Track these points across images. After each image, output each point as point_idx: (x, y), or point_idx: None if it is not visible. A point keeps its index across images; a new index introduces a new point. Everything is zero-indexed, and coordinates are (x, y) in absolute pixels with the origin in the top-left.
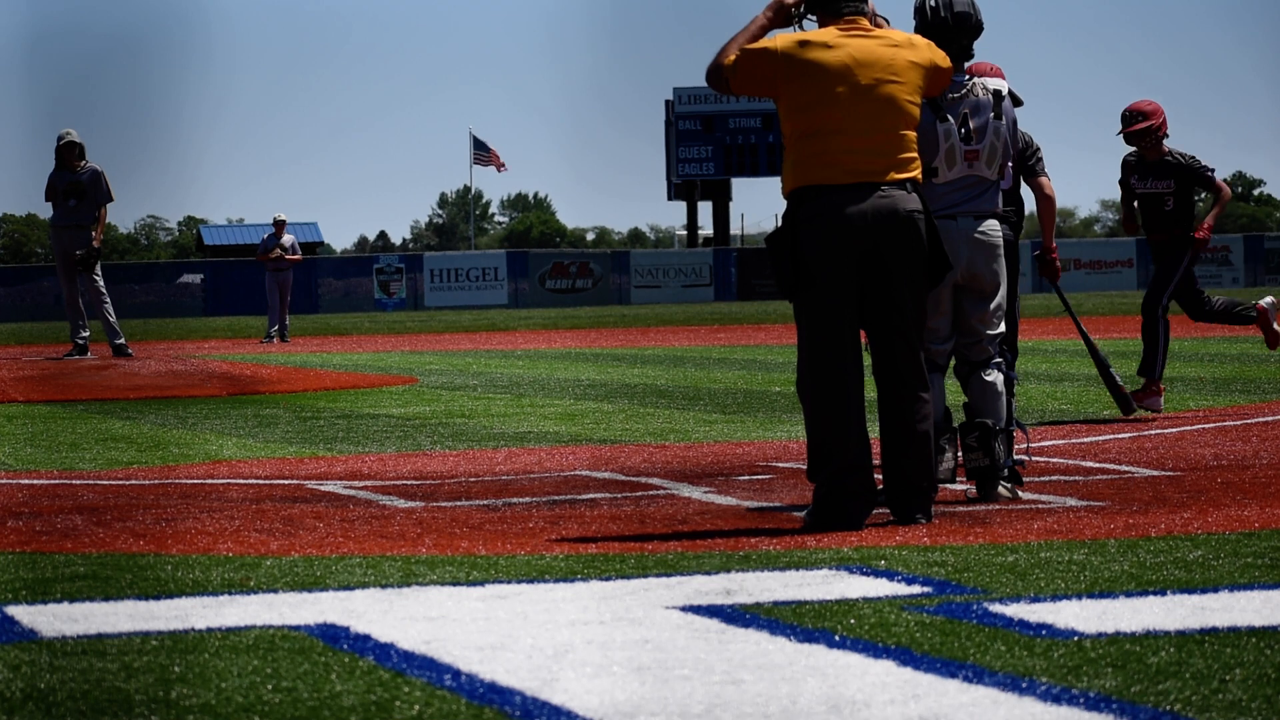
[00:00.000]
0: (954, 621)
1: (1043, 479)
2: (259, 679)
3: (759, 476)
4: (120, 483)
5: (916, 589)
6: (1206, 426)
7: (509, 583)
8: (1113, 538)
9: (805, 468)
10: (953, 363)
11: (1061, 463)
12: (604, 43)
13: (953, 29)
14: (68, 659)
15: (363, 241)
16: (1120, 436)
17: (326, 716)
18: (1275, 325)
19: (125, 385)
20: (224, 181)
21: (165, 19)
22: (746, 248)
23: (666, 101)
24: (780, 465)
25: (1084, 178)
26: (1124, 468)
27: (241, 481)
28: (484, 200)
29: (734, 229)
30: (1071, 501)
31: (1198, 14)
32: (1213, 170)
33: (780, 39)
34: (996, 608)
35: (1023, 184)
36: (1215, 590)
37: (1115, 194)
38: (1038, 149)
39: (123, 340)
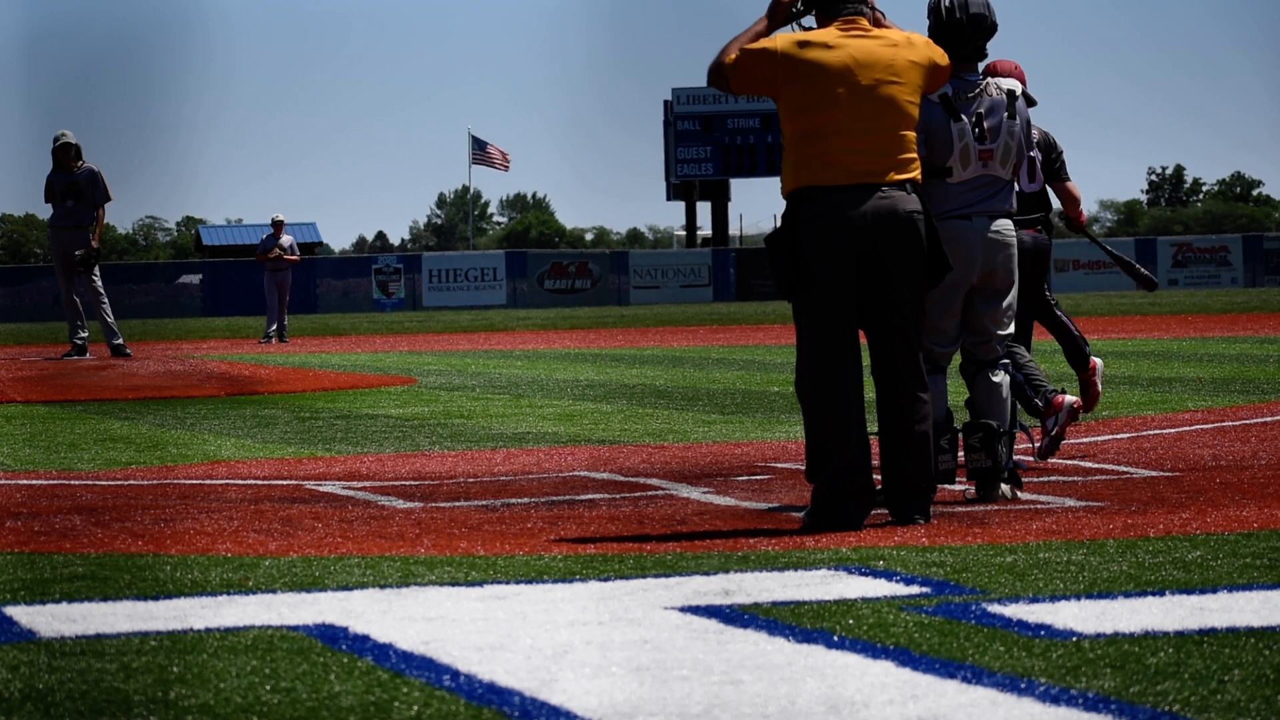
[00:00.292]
0: (953, 622)
1: (1042, 479)
2: (258, 679)
3: (758, 477)
4: (119, 483)
5: (915, 589)
6: (1205, 427)
7: (508, 583)
8: (1111, 538)
9: (804, 468)
10: (956, 361)
11: (1060, 463)
12: (603, 43)
13: (968, 30)
14: (66, 659)
15: (361, 242)
16: (1119, 437)
17: (325, 717)
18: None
19: (124, 385)
20: (223, 182)
21: (165, 19)
22: (745, 248)
23: (665, 102)
24: (779, 466)
25: (1084, 178)
26: (1123, 468)
27: (240, 482)
28: (483, 200)
29: (733, 229)
30: (1070, 502)
31: (1198, 14)
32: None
33: (780, 39)
34: (995, 608)
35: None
36: (1214, 591)
37: (1115, 194)
38: (1061, 152)
39: (121, 341)
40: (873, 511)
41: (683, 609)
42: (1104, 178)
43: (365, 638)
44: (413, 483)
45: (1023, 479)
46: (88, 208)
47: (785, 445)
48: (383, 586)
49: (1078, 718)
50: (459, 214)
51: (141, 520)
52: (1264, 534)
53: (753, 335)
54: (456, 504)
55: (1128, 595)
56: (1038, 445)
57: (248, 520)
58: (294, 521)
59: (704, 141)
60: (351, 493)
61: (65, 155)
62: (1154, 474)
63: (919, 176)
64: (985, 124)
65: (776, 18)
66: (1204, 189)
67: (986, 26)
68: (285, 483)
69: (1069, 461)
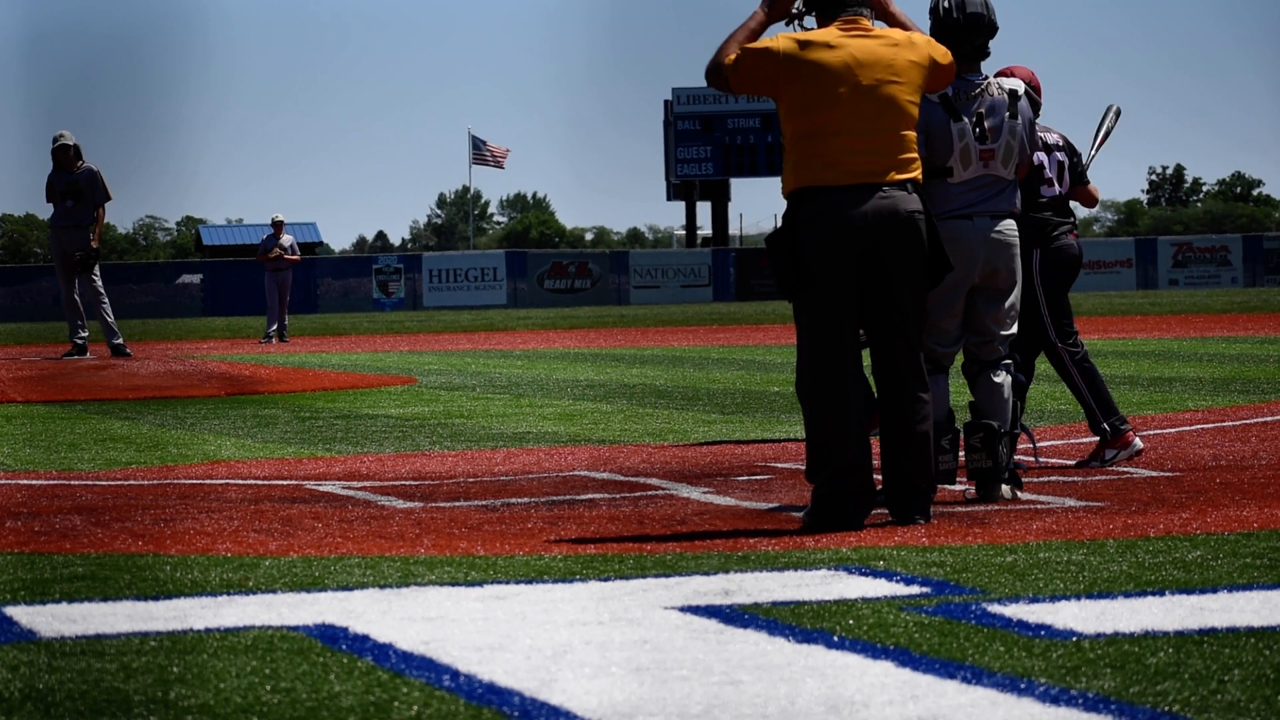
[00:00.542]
0: (953, 622)
1: (1042, 479)
2: (258, 679)
3: (758, 477)
4: (119, 483)
5: (915, 589)
6: (1205, 427)
7: (507, 583)
8: (1111, 538)
9: (804, 468)
10: (958, 361)
11: (1061, 463)
12: (604, 43)
13: (965, 29)
14: (66, 659)
15: (361, 242)
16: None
17: (325, 717)
18: None
19: (124, 385)
20: (223, 182)
21: (165, 19)
22: (745, 248)
23: (665, 102)
24: (779, 465)
25: None
26: (1123, 468)
27: (240, 482)
28: (483, 200)
29: (733, 229)
30: (1070, 502)
31: (1198, 14)
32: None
33: (781, 39)
34: (995, 608)
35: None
36: (1214, 591)
37: (1115, 194)
38: (1080, 154)
39: (121, 340)
40: (873, 511)
41: (683, 609)
42: (1104, 178)
43: (365, 638)
44: (413, 483)
45: (1023, 479)
46: (88, 208)
47: (785, 445)
48: (383, 586)
49: (1078, 718)
50: (459, 214)
51: (141, 520)
52: (1264, 534)
53: (753, 335)
54: (456, 504)
55: (1128, 595)
56: (1080, 461)
57: (248, 520)
58: (294, 521)
59: (704, 141)
60: (351, 493)
61: (64, 155)
62: (1154, 474)
63: (920, 176)
64: (986, 124)
65: (775, 11)
66: (1204, 189)
67: (984, 26)
68: (285, 483)
69: (1069, 462)
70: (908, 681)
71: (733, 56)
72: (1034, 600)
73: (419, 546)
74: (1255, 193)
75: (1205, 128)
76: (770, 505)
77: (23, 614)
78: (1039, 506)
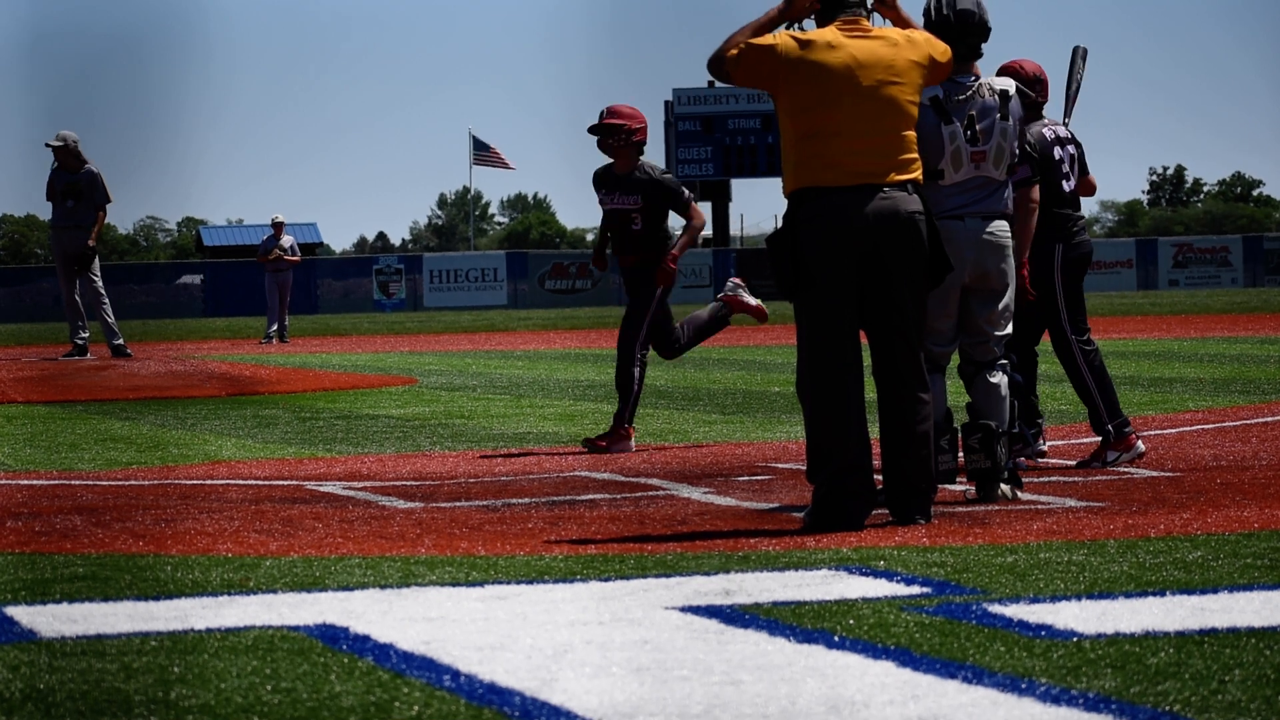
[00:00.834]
0: (953, 622)
1: (1042, 479)
2: (258, 679)
3: (758, 477)
4: (119, 483)
5: (916, 589)
6: (1206, 427)
7: (508, 583)
8: (1112, 538)
9: (805, 468)
10: (955, 362)
11: (1061, 463)
12: (604, 43)
13: (955, 26)
14: (67, 659)
15: (362, 242)
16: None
17: (326, 717)
18: (747, 299)
19: (124, 386)
20: (223, 182)
21: (165, 19)
22: (746, 248)
23: (666, 102)
24: (779, 466)
25: None
26: (1123, 468)
27: (241, 482)
28: (483, 201)
29: (733, 230)
30: (1071, 502)
31: (1199, 14)
32: (689, 194)
33: (783, 38)
34: (996, 608)
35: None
36: (1214, 591)
37: (1116, 194)
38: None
39: (121, 341)
40: (873, 511)
41: (683, 609)
42: (1104, 178)
43: (366, 638)
44: (413, 483)
45: (1023, 479)
46: (88, 208)
47: (786, 445)
48: (383, 587)
49: (1078, 718)
50: (460, 214)
51: (142, 520)
52: (1265, 534)
53: (753, 335)
54: (457, 504)
55: (1128, 595)
56: (1081, 461)
57: (248, 520)
58: (295, 522)
59: (704, 142)
60: (352, 493)
61: (65, 156)
62: (1155, 474)
63: (920, 177)
64: (977, 126)
65: (790, 11)
66: (1205, 189)
67: (975, 24)
68: (286, 483)
69: (1069, 462)
70: (908, 681)
71: (735, 51)
72: (1035, 600)
73: (420, 547)
74: (1256, 193)
75: (1206, 128)
76: (771, 505)
77: (23, 614)
78: (1040, 507)
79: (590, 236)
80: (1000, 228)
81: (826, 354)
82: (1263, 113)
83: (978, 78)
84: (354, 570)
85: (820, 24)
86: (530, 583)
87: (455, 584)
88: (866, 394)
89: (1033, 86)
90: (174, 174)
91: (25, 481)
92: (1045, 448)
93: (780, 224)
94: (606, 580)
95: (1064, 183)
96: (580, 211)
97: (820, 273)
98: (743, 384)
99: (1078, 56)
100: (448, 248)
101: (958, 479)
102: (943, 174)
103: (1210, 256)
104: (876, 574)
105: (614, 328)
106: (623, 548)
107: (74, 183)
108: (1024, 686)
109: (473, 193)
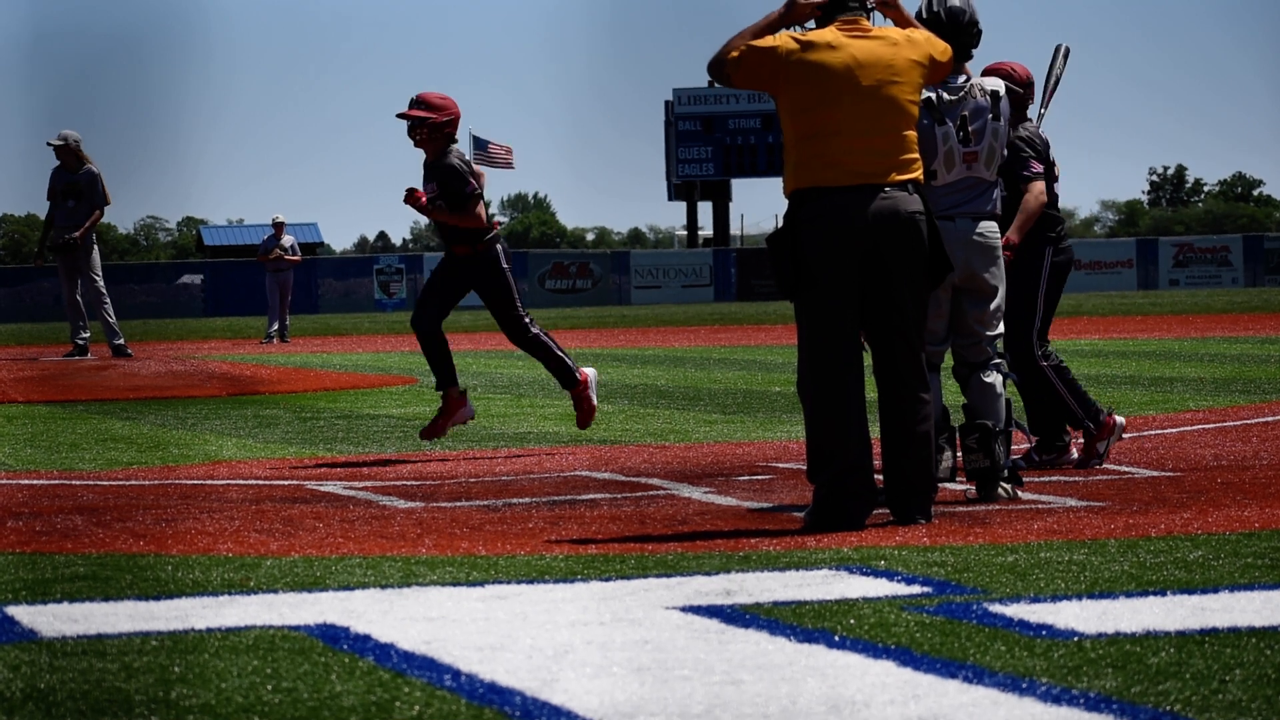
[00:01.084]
0: (954, 622)
1: (1042, 479)
2: (259, 679)
3: (759, 477)
4: (120, 483)
5: (916, 589)
6: (1207, 427)
7: (509, 583)
8: (1113, 538)
9: (805, 468)
10: (949, 364)
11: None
12: (604, 43)
13: (946, 25)
14: (68, 659)
15: (363, 242)
16: (1121, 436)
17: (326, 717)
18: (591, 395)
19: (125, 386)
20: (224, 182)
21: (165, 19)
22: (746, 248)
23: (666, 102)
24: (780, 465)
25: (1084, 178)
26: (1124, 468)
27: (241, 482)
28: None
29: (734, 229)
30: (1071, 502)
31: (1198, 14)
32: (475, 188)
33: (783, 39)
34: (996, 608)
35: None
36: (1215, 591)
37: (1116, 194)
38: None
39: (122, 341)
40: (874, 511)
41: (684, 609)
42: (1104, 178)
43: (366, 638)
44: (414, 483)
45: (1023, 478)
46: (88, 209)
47: (786, 445)
48: (384, 586)
49: (1079, 718)
50: None
51: (143, 520)
52: (1265, 534)
53: (754, 335)
54: (458, 504)
55: (1129, 595)
56: (1075, 459)
57: (249, 520)
58: (295, 521)
59: (705, 142)
60: (353, 493)
61: (66, 155)
62: (1155, 474)
63: (921, 177)
64: (970, 127)
65: (793, 14)
66: (1205, 189)
67: (965, 24)
68: (286, 483)
69: (1069, 461)
70: (909, 681)
71: (736, 53)
72: (1035, 600)
73: (420, 546)
74: (1256, 193)
75: (1206, 128)
76: (771, 505)
77: (24, 614)
78: (1040, 506)
79: (591, 236)
80: (990, 228)
81: (827, 354)
82: (1263, 113)
83: (968, 78)
84: (354, 570)
85: (819, 24)
86: (531, 583)
87: (456, 584)
88: (867, 394)
89: (1023, 90)
90: (174, 174)
91: (26, 481)
92: (1075, 457)
93: (781, 224)
94: (607, 580)
95: (1054, 184)
96: (581, 211)
97: (821, 273)
98: (743, 384)
99: (1059, 54)
100: None
101: (958, 478)
102: (935, 174)
103: (1211, 256)
104: (877, 574)
105: (615, 328)
106: (623, 547)
107: (74, 183)
108: (1025, 686)
109: None
